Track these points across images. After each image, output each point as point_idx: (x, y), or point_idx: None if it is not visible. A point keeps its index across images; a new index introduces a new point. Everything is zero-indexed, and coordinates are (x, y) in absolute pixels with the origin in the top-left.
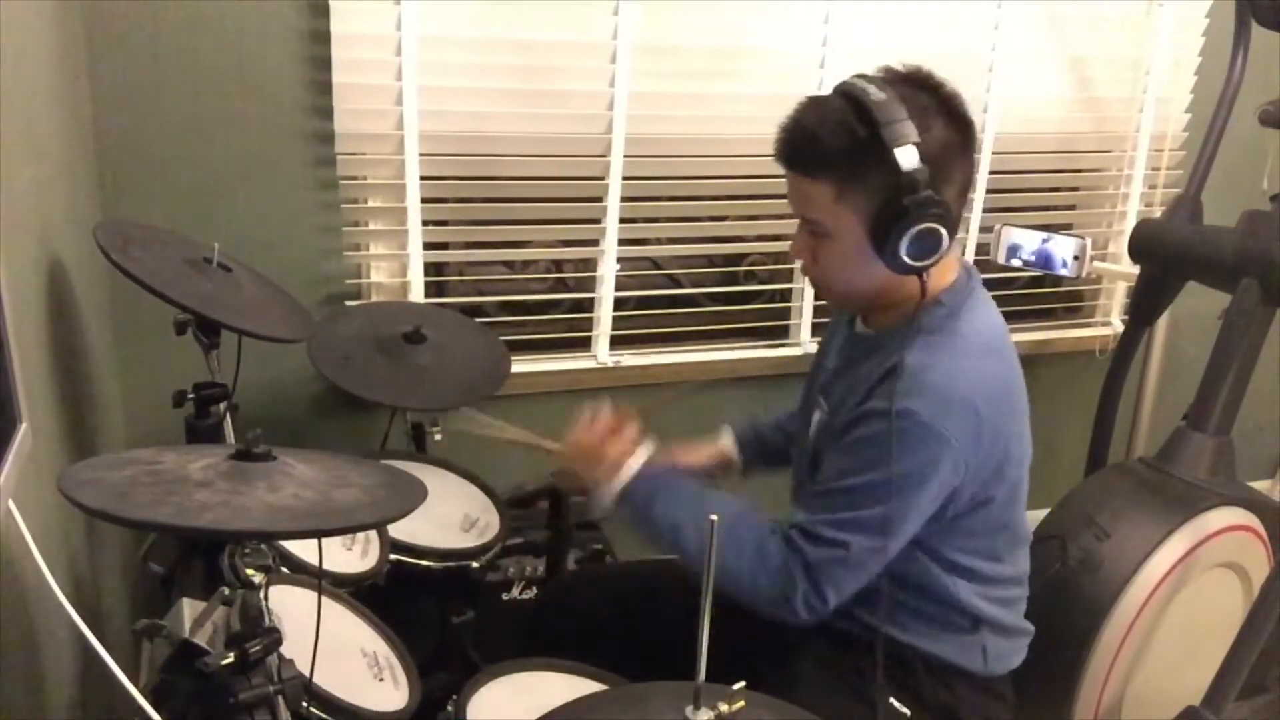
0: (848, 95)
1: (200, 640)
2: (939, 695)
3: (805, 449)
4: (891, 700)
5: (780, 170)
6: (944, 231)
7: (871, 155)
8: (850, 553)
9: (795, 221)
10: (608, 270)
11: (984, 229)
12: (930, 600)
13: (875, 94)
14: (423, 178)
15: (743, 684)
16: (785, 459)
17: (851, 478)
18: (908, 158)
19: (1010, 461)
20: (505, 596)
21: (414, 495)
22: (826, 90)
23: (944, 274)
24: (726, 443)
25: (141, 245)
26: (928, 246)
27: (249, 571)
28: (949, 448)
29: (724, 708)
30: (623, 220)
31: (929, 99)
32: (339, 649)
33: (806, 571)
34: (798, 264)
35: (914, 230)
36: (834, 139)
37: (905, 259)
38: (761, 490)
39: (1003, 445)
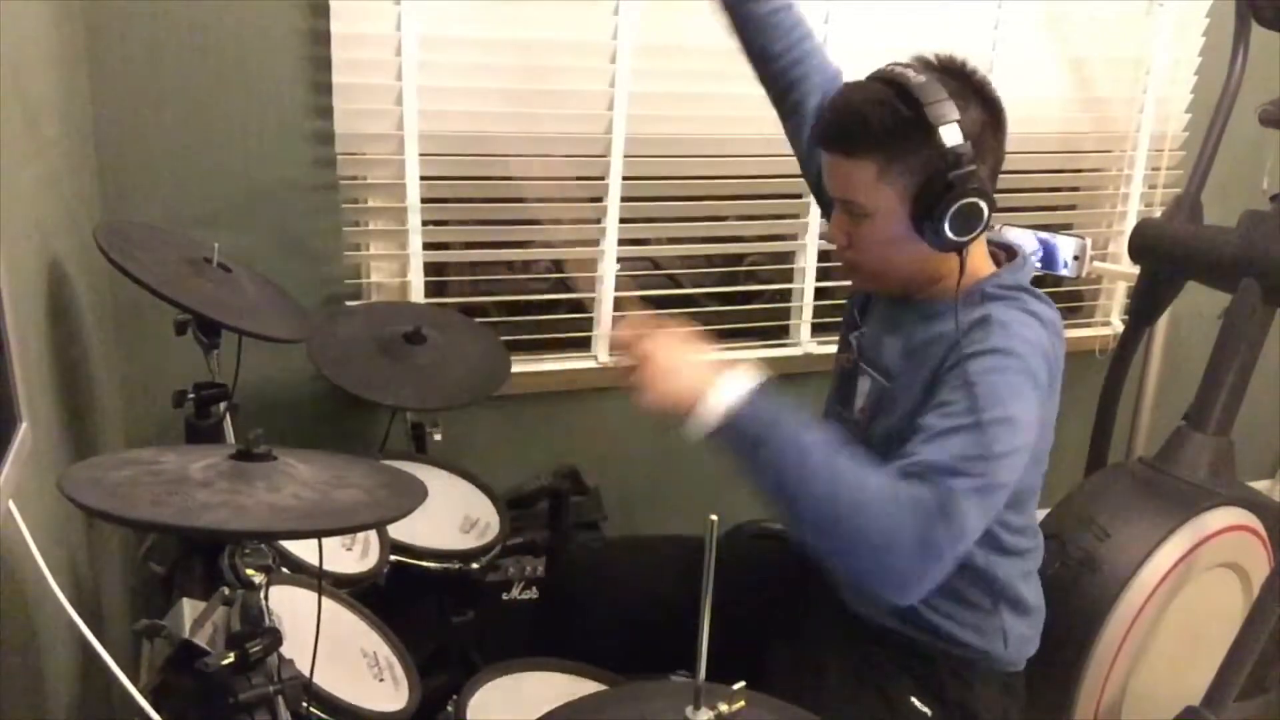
0: (888, 79)
1: (200, 640)
2: (959, 693)
3: (851, 415)
4: (913, 699)
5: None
6: (984, 206)
7: (916, 133)
8: (990, 482)
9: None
10: (608, 270)
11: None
12: (955, 578)
13: (915, 77)
14: (423, 178)
15: (743, 684)
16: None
17: (970, 415)
18: (951, 134)
19: (1048, 428)
20: (505, 596)
21: (414, 495)
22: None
23: (982, 261)
24: None
25: (142, 246)
26: (970, 222)
27: (249, 571)
28: (1040, 392)
29: (724, 708)
30: (623, 220)
31: (962, 84)
32: (339, 649)
33: (954, 506)
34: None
35: (958, 205)
36: (877, 117)
37: (948, 234)
38: None
39: (1050, 414)
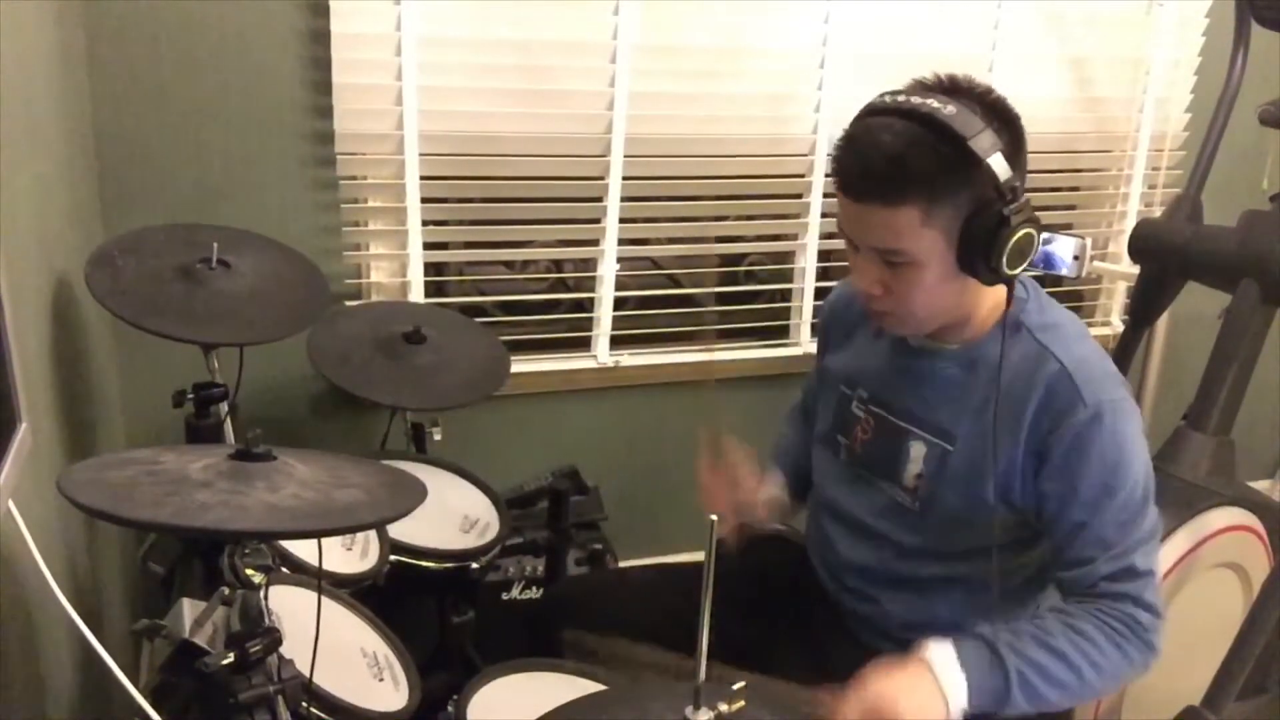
0: (910, 113)
1: (200, 640)
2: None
3: (897, 488)
4: None
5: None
6: (1035, 234)
7: (961, 170)
8: (1154, 544)
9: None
10: (608, 270)
11: None
12: (998, 609)
13: (944, 107)
14: (423, 178)
15: (742, 684)
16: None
17: (1115, 495)
18: (999, 166)
19: None
20: (505, 596)
21: (414, 495)
22: (828, 90)
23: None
24: (776, 490)
25: (132, 264)
26: (1023, 253)
27: (249, 571)
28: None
29: (724, 708)
30: (623, 220)
31: (984, 107)
32: (339, 649)
33: (1150, 610)
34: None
35: (1015, 238)
36: (920, 160)
37: (1005, 270)
38: None
39: None
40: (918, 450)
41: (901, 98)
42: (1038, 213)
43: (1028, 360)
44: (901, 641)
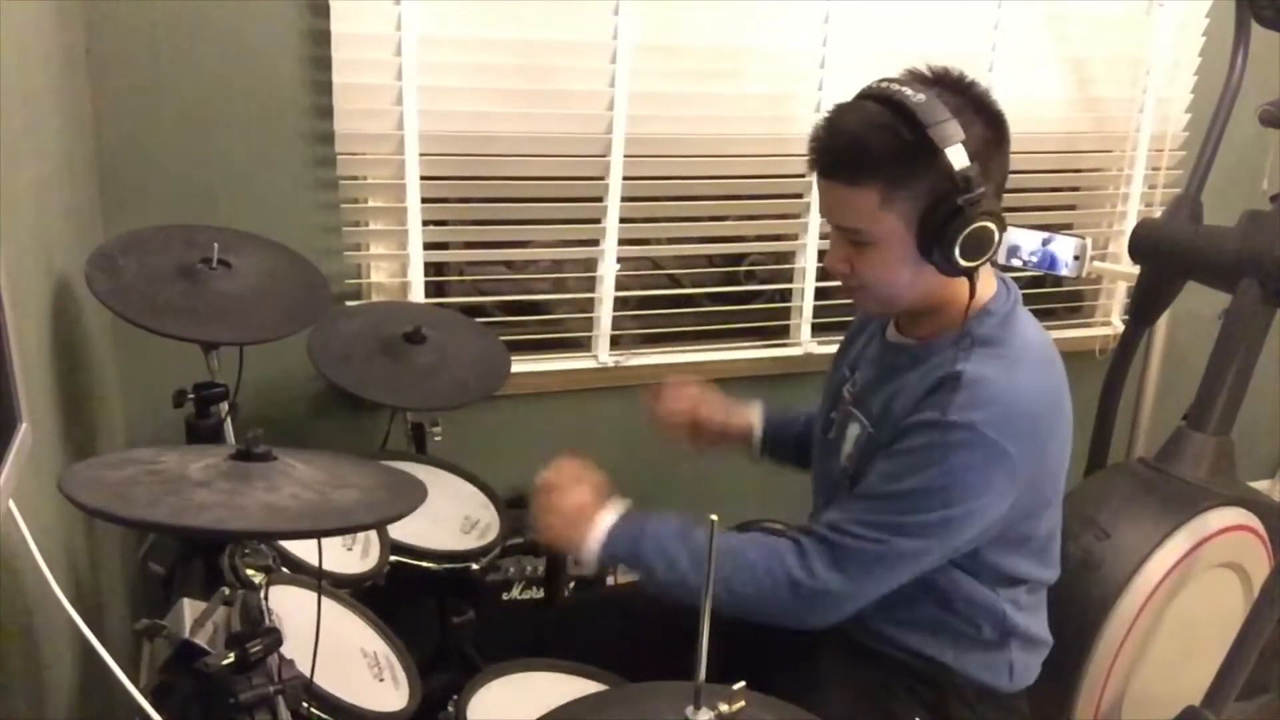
0: (883, 99)
1: (200, 640)
2: (964, 716)
3: (838, 465)
4: None
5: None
6: (995, 229)
7: (920, 157)
8: (889, 549)
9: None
10: (608, 270)
11: None
12: (962, 613)
13: (914, 95)
14: (423, 178)
15: (743, 684)
16: (802, 460)
17: (901, 482)
18: (958, 156)
19: (1056, 472)
20: (505, 596)
21: (414, 496)
22: (828, 90)
23: (988, 282)
24: (754, 418)
25: (133, 262)
26: (980, 246)
27: (249, 571)
28: (1009, 461)
29: (724, 708)
30: (623, 220)
31: (963, 99)
32: (339, 649)
33: (834, 558)
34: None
35: (969, 229)
36: (880, 143)
37: (959, 260)
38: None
39: (1052, 456)
40: (853, 430)
41: (885, 84)
42: (1034, 212)
43: (946, 362)
44: (876, 635)
